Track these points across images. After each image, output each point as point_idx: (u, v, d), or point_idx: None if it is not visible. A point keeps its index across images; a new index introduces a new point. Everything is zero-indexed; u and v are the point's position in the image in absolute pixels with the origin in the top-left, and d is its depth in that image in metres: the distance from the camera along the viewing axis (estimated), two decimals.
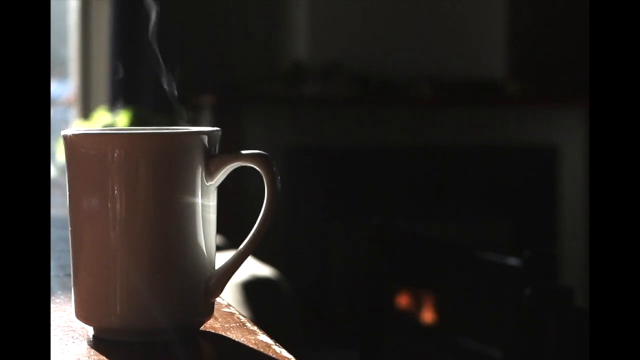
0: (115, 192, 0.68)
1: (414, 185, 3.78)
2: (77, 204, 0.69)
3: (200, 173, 0.69)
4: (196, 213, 0.69)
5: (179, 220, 0.68)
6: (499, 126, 3.87)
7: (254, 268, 1.75)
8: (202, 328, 0.72)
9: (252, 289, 1.68)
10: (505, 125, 3.88)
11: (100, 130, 0.71)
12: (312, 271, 3.68)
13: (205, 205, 0.70)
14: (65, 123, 3.85)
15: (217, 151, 0.71)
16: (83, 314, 0.70)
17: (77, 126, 3.59)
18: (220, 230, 0.76)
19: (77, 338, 0.70)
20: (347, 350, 3.45)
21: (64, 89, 3.90)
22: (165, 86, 0.76)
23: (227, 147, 0.71)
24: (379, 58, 3.79)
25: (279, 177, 0.70)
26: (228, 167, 0.70)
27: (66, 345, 0.68)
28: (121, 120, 3.32)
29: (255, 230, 0.70)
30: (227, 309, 0.78)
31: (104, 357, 0.66)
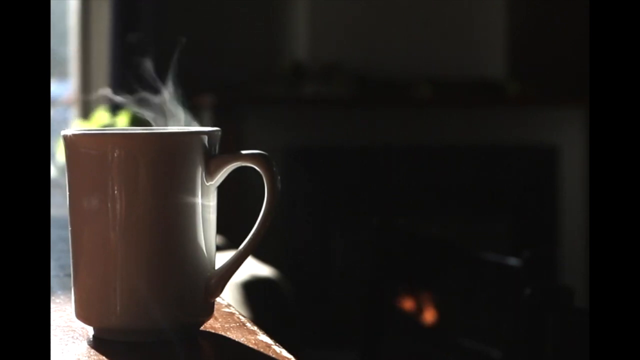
0: (115, 192, 0.68)
1: (414, 185, 3.78)
2: (77, 204, 0.69)
3: (200, 173, 0.69)
4: (196, 213, 0.69)
5: (179, 221, 0.68)
6: (499, 126, 3.87)
7: (254, 268, 1.75)
8: (202, 328, 0.72)
9: (252, 289, 1.68)
10: (505, 125, 3.88)
11: (100, 130, 0.71)
12: (313, 271, 3.68)
13: (205, 205, 0.70)
14: (65, 123, 3.85)
15: (217, 151, 0.71)
16: (83, 314, 0.70)
17: (77, 126, 3.59)
18: (220, 230, 0.76)
19: (77, 338, 0.70)
20: (347, 350, 3.45)
21: (64, 89, 3.90)
22: (165, 86, 0.76)
23: (227, 147, 0.71)
24: (379, 58, 3.79)
25: (279, 177, 0.70)
26: (228, 167, 0.70)
27: (66, 345, 0.68)
28: (121, 120, 3.32)
29: (255, 230, 0.71)
30: (227, 309, 0.78)
31: (104, 357, 0.66)
